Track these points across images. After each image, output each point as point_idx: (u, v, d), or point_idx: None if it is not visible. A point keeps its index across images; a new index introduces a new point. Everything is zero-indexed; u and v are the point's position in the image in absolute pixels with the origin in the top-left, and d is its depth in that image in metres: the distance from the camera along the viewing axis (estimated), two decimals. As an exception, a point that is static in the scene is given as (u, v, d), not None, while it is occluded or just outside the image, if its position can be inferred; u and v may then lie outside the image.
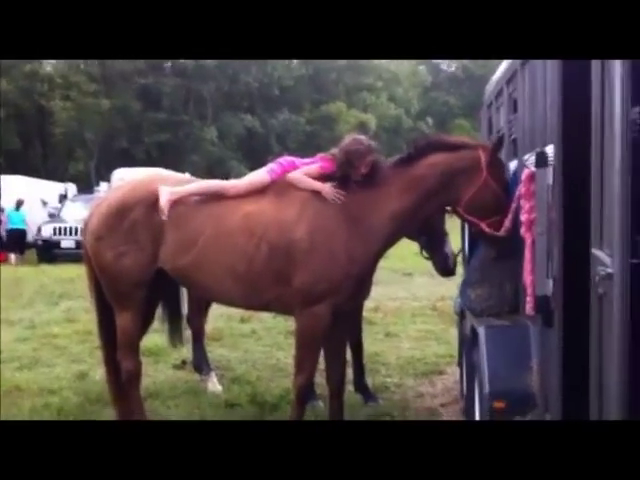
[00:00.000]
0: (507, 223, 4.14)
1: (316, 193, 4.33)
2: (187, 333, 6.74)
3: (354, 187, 4.32)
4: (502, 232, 4.16)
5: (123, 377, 4.77)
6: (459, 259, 5.43)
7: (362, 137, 4.45)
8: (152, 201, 4.50)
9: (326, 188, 4.31)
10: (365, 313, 6.44)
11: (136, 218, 4.52)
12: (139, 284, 4.62)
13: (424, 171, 4.24)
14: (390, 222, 4.28)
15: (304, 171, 4.42)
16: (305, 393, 4.50)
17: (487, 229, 4.23)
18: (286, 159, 4.62)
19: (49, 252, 19.51)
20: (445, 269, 5.33)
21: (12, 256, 20.36)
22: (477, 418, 4.28)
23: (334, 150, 4.47)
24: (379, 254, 4.47)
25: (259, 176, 4.56)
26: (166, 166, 27.22)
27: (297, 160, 4.63)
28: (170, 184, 4.64)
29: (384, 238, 4.33)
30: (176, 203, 4.48)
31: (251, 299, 4.54)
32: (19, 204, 21.39)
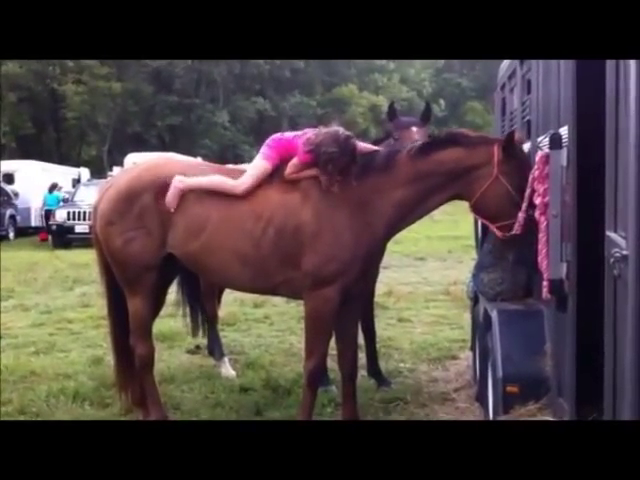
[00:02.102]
0: (520, 217, 4.01)
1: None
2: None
3: (360, 172, 4.29)
4: (515, 230, 4.05)
5: (136, 362, 4.80)
6: (472, 243, 5.40)
7: (338, 135, 4.28)
8: (160, 186, 4.51)
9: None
10: (377, 298, 6.43)
11: (145, 204, 4.53)
12: (148, 269, 4.64)
13: (431, 167, 4.19)
14: (393, 209, 4.26)
15: (292, 164, 4.41)
16: (316, 378, 4.51)
17: (498, 232, 4.16)
18: (274, 139, 4.60)
19: (63, 237, 19.60)
20: None
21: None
22: (490, 402, 4.28)
23: (316, 133, 4.39)
24: (384, 239, 4.46)
25: (260, 167, 4.51)
26: (178, 150, 27.28)
27: (284, 135, 4.62)
28: (178, 168, 4.65)
29: (388, 224, 4.31)
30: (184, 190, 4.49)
31: (259, 283, 4.54)
32: (53, 187, 22.96)
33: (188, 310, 6.55)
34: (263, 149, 4.59)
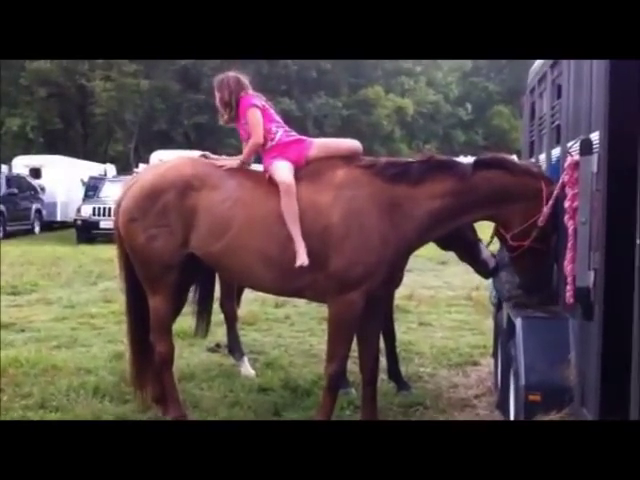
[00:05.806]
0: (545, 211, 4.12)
1: (351, 177, 4.33)
2: (220, 317, 6.79)
3: (393, 177, 4.29)
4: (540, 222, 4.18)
5: (156, 360, 4.80)
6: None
7: None
8: (183, 185, 4.51)
9: None
10: (399, 301, 6.40)
11: (168, 202, 4.52)
12: (170, 267, 4.63)
13: (478, 182, 4.21)
14: (427, 218, 4.25)
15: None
16: (337, 381, 4.48)
17: (510, 252, 4.37)
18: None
19: (88, 232, 19.74)
20: (488, 273, 5.25)
21: None
22: (512, 410, 4.22)
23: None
24: (412, 245, 4.44)
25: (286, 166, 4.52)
26: (204, 149, 27.35)
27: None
28: (203, 167, 4.66)
29: (418, 231, 4.30)
30: (209, 189, 4.48)
31: (284, 285, 4.51)
32: None
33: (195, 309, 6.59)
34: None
